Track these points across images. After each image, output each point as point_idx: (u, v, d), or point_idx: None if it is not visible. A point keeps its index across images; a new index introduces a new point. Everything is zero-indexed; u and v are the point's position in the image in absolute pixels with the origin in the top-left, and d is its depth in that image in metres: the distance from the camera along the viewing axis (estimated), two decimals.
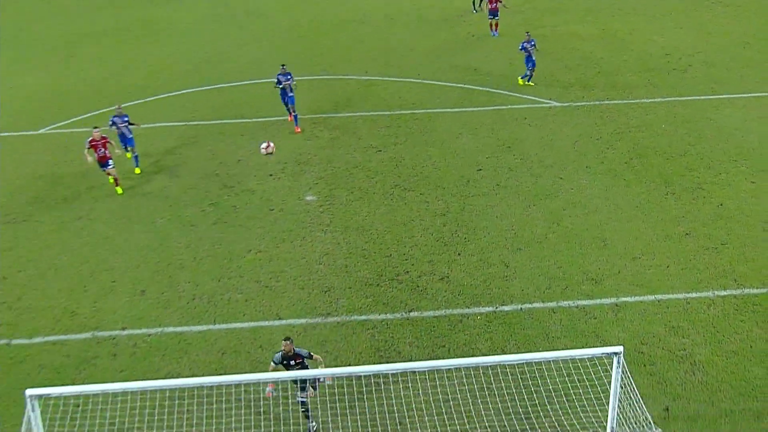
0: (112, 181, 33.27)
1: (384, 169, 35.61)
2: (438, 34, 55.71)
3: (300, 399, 20.86)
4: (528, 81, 44.26)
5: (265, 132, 39.04)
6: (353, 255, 29.38)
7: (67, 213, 32.88)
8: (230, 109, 42.71)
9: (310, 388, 21.07)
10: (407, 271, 28.36)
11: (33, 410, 17.75)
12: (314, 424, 21.12)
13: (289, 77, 38.79)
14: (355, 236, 30.56)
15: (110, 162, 32.41)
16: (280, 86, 38.93)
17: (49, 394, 18.35)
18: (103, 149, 32.13)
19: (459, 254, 29.21)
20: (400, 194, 33.42)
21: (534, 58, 43.68)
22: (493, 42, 53.27)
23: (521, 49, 43.54)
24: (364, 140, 38.40)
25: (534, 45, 43.50)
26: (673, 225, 30.53)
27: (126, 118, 35.25)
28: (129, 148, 35.69)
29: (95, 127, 31.03)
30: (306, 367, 20.77)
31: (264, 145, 23.98)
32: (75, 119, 41.85)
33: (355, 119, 40.68)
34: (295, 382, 20.83)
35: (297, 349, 20.77)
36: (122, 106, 36.31)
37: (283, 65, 39.23)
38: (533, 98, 42.52)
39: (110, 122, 35.38)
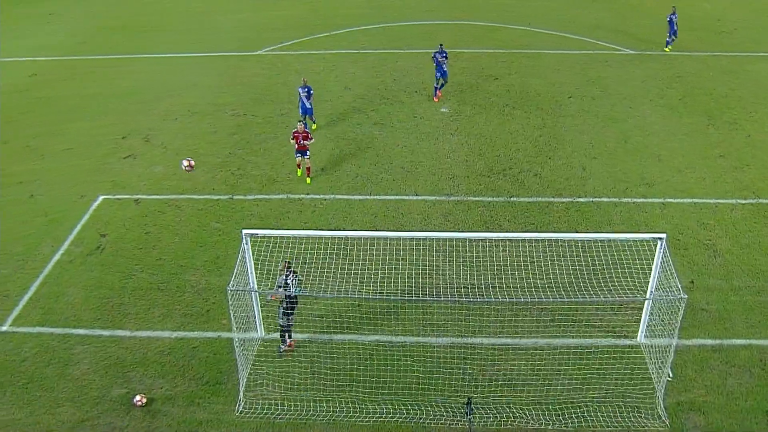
0: (300, 173, 27.89)
1: (499, 92, 35.14)
2: None
3: (279, 323, 19.45)
4: (667, 47, 40.20)
5: (414, 60, 38.92)
6: (472, 153, 29.39)
7: (274, 111, 33.55)
8: (389, 41, 42.38)
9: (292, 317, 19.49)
10: (510, 167, 28.29)
11: (246, 243, 18.68)
12: (284, 345, 19.72)
13: (444, 55, 33.71)
14: (474, 140, 30.51)
15: (307, 152, 27.82)
16: (436, 61, 33.71)
17: (257, 234, 19.32)
18: (303, 140, 27.23)
19: (549, 158, 28.94)
20: (510, 111, 33.05)
21: (676, 28, 39.58)
22: (588, 4, 51.01)
23: (668, 21, 39.58)
24: (486, 70, 37.82)
25: (676, 16, 39.53)
26: (711, 148, 29.56)
27: (307, 89, 30.61)
28: (306, 117, 30.75)
29: (300, 121, 27.72)
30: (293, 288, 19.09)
31: (185, 163, 21.67)
32: (282, 44, 42.21)
33: (480, 54, 39.97)
34: (284, 311, 19.26)
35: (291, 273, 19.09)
36: (305, 79, 31.40)
37: (441, 44, 34.37)
38: (614, 46, 40.96)
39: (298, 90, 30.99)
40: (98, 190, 27.25)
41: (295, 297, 19.26)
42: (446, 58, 33.86)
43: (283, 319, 19.32)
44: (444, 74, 33.97)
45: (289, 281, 18.94)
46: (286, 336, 19.59)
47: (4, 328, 20.72)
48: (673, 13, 39.58)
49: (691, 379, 18.57)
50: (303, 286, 20.30)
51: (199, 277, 22.54)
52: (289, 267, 19.13)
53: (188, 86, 36.64)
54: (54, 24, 47.58)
